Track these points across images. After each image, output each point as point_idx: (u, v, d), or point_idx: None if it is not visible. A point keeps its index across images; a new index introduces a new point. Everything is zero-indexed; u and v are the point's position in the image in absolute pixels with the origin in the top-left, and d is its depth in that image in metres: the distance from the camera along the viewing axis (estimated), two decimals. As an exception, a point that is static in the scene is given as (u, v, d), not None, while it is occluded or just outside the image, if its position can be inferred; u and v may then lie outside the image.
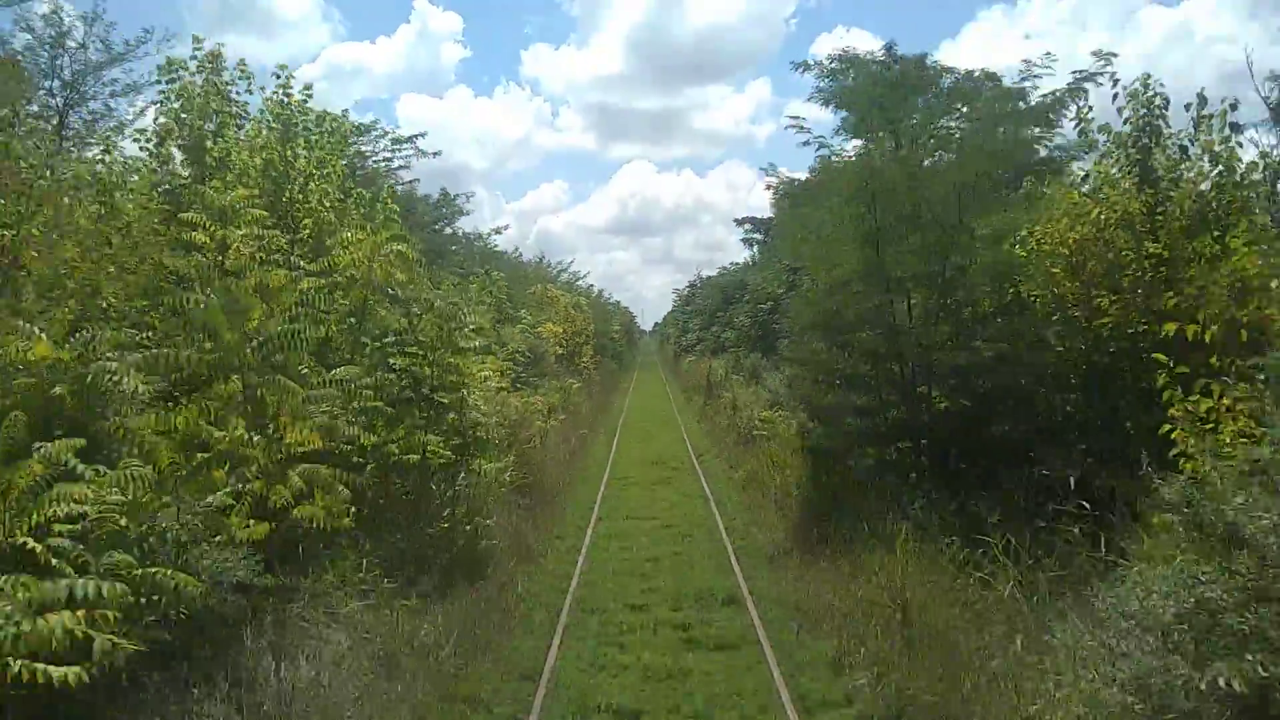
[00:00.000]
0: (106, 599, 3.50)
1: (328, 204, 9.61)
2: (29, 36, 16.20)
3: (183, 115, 9.94)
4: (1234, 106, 8.33)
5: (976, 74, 27.59)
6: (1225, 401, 5.15)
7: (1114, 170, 9.21)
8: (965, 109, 31.79)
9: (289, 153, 9.77)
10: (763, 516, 11.21)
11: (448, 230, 28.50)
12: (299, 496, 5.46)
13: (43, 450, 4.28)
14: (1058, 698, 4.57)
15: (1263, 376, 5.15)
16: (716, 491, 13.36)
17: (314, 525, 5.66)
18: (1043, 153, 11.90)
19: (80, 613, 3.38)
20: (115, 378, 4.97)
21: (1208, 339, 5.71)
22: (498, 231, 39.45)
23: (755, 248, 46.03)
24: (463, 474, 8.95)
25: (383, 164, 20.70)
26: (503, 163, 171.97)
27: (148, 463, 4.71)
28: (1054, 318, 9.27)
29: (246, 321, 5.56)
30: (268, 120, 10.27)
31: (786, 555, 9.33)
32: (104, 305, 6.57)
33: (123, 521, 4.43)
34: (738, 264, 48.68)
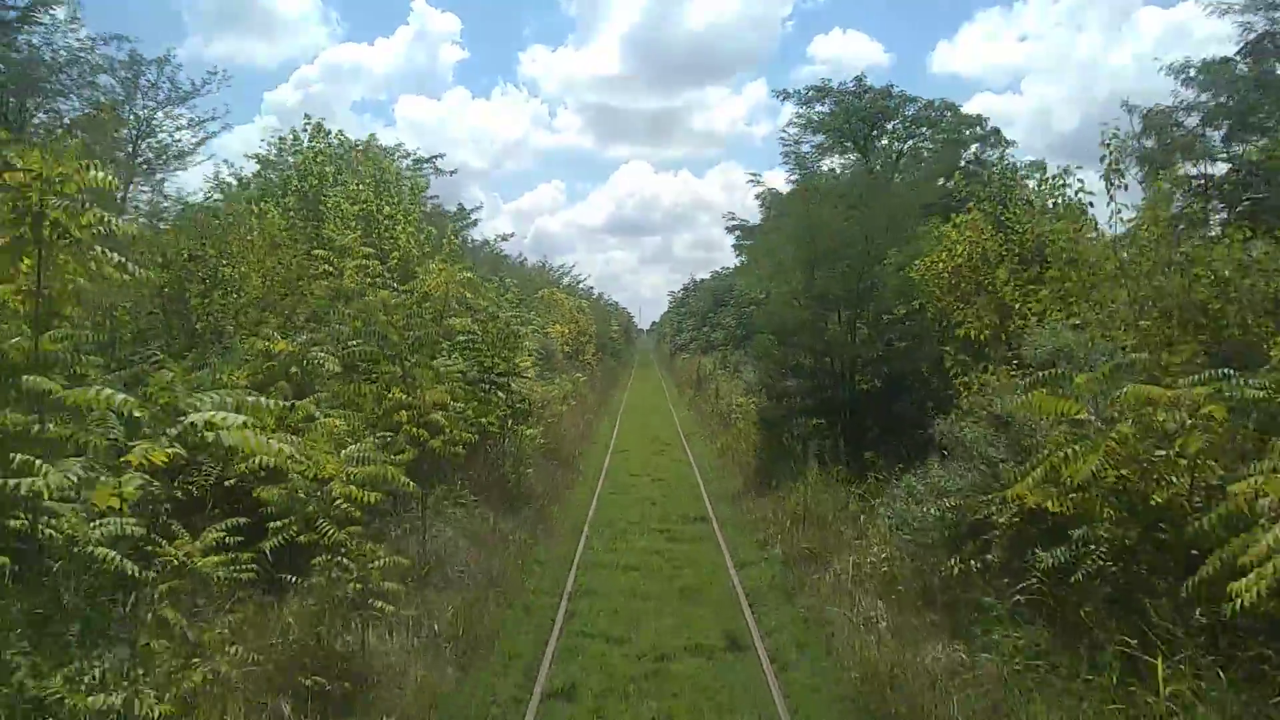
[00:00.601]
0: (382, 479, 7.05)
1: (411, 242, 13.20)
2: (110, 78, 19.59)
3: (298, 174, 13.54)
4: (1067, 170, 11.96)
5: (937, 103, 32.02)
6: (983, 378, 8.75)
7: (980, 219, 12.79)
8: (928, 131, 36.36)
9: (380, 204, 13.36)
10: (730, 473, 14.86)
11: (461, 239, 32.18)
12: (432, 434, 9.01)
13: (295, 406, 7.80)
14: (872, 540, 8.19)
15: (1015, 363, 8.78)
16: (698, 459, 16.99)
17: (438, 454, 9.21)
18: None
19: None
20: (322, 362, 8.54)
21: (983, 339, 9.33)
22: (504, 239, 43.08)
23: (742, 253, 49.73)
24: (509, 438, 12.55)
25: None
26: (500, 163, 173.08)
27: (359, 411, 8.28)
28: (939, 323, 12.84)
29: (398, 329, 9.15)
30: (361, 177, 13.85)
31: (743, 496, 12.97)
32: (298, 316, 10.16)
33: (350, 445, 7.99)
34: (729, 268, 52.24)
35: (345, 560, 6.13)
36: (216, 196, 16.85)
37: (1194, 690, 4.62)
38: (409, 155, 24.66)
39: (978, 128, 33.52)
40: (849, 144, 34.27)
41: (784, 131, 33.64)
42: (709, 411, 23.39)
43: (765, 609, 7.85)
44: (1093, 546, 5.62)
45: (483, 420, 11.27)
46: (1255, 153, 13.29)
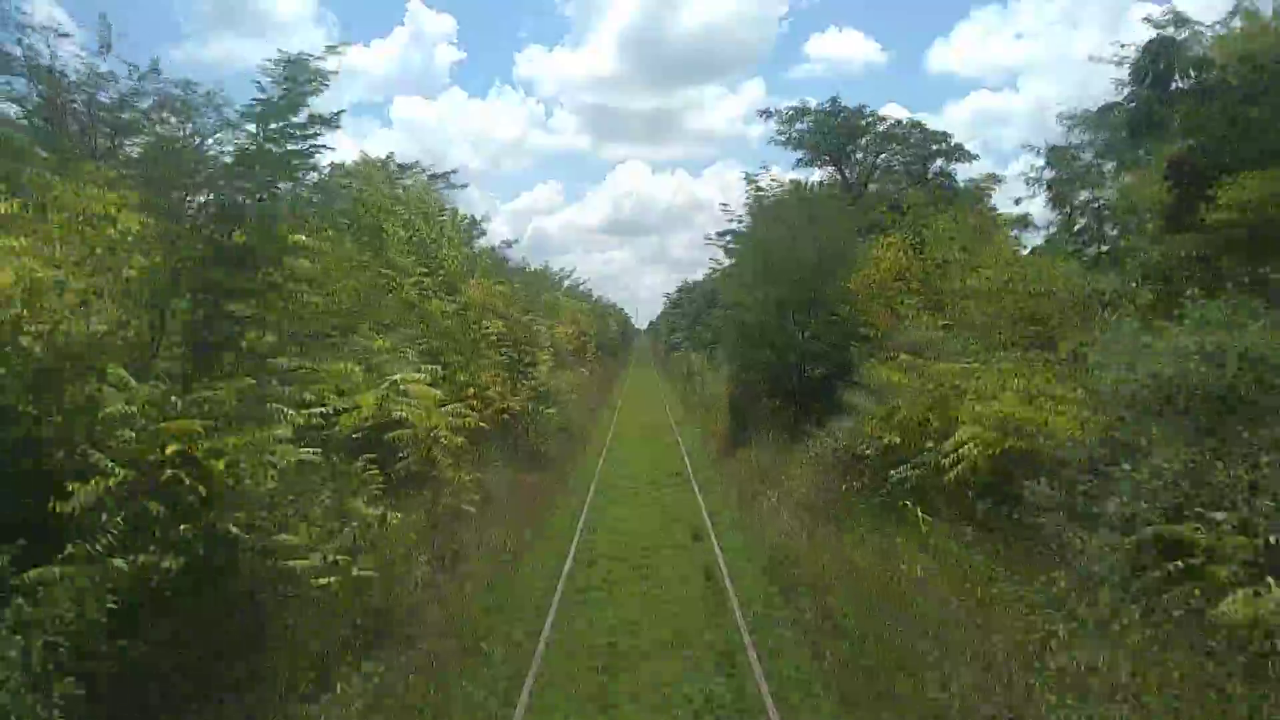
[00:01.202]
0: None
1: (455, 261, 16.74)
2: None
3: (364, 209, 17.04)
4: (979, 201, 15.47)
5: (905, 121, 36.30)
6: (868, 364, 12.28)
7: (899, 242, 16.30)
8: (898, 146, 40.57)
9: (429, 231, 16.88)
10: (707, 445, 18.45)
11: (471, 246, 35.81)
12: (485, 405, 12.53)
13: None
14: (796, 472, 11.75)
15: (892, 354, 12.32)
16: (684, 437, 20.56)
17: (491, 420, 12.74)
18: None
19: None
20: (405, 353, 12.07)
21: (878, 335, 12.90)
22: (509, 244, 46.70)
23: (732, 257, 53.38)
24: (534, 416, 16.09)
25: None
26: (497, 164, 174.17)
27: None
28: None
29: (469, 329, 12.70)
30: (415, 208, 17.38)
31: (716, 460, 16.55)
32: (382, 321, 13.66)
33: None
34: (720, 269, 55.72)
35: (446, 479, 9.67)
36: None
37: (949, 532, 8.14)
38: (425, 170, 28.23)
39: (943, 144, 37.35)
40: (826, 158, 38.10)
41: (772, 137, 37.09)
42: (695, 402, 26.99)
43: (720, 522, 11.42)
44: (914, 466, 9.14)
45: (514, 400, 14.81)
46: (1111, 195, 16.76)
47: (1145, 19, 14.94)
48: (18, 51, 16.44)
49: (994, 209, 35.96)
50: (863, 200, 37.60)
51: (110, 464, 4.86)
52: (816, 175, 38.79)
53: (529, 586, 8.79)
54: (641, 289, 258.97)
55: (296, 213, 7.54)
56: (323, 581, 5.91)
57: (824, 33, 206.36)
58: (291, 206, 7.51)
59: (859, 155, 38.45)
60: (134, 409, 5.30)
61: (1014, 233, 26.32)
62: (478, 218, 36.55)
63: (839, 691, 5.98)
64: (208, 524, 5.26)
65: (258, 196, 7.17)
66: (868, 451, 10.23)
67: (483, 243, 39.05)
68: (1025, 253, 20.29)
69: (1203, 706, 4.43)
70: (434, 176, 28.61)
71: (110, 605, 4.46)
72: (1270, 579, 4.68)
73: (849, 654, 6.42)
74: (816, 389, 16.71)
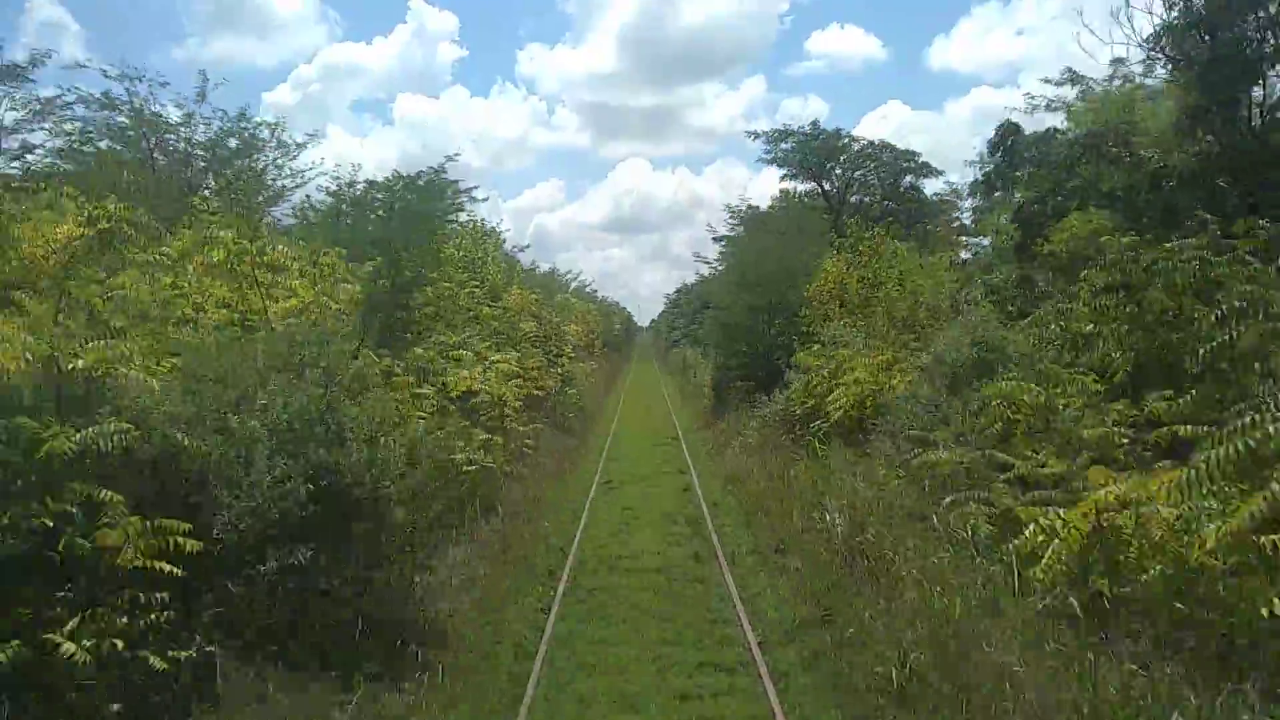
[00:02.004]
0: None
1: (497, 275, 21.60)
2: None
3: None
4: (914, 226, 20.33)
5: (876, 143, 42.40)
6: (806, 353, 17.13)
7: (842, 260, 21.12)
8: (872, 164, 46.69)
9: (477, 251, 21.74)
10: (695, 420, 23.36)
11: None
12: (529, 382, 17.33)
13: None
14: (752, 428, 16.62)
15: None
16: (678, 417, 25.46)
17: (535, 394, 17.54)
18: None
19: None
20: (474, 345, 16.92)
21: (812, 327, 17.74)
22: (521, 250, 51.69)
23: (723, 261, 58.30)
24: (561, 396, 20.95)
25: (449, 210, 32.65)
26: (499, 161, 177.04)
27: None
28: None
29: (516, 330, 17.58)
30: (469, 235, 22.24)
31: (700, 429, 21.47)
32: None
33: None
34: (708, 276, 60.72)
35: (510, 431, 14.50)
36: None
37: (828, 453, 12.90)
38: (448, 187, 33.07)
39: (911, 161, 42.40)
40: (808, 173, 43.30)
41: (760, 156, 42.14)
42: (689, 390, 31.90)
43: (697, 463, 16.29)
44: (823, 419, 13.93)
45: (547, 381, 19.66)
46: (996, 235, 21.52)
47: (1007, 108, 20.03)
48: (124, 95, 21.59)
49: (957, 218, 41.13)
50: (843, 210, 42.83)
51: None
52: (802, 187, 44.04)
53: (571, 491, 13.70)
54: (642, 286, 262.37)
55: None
56: (470, 469, 10.72)
57: (825, 29, 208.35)
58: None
59: (838, 171, 43.50)
60: (376, 371, 10.13)
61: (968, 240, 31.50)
62: (498, 230, 41.55)
63: (744, 519, 10.88)
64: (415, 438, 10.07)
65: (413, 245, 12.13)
66: (797, 411, 15.06)
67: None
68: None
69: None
70: (457, 192, 33.51)
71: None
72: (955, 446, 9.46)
73: (754, 506, 11.33)
74: (778, 373, 21.61)
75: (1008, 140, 18.58)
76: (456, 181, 20.02)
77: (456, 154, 57.54)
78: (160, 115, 24.27)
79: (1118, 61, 17.53)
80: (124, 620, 4.79)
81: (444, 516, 8.88)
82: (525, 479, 13.31)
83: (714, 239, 49.80)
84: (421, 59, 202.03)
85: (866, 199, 44.38)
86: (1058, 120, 22.90)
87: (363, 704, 5.42)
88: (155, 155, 24.80)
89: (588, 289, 61.37)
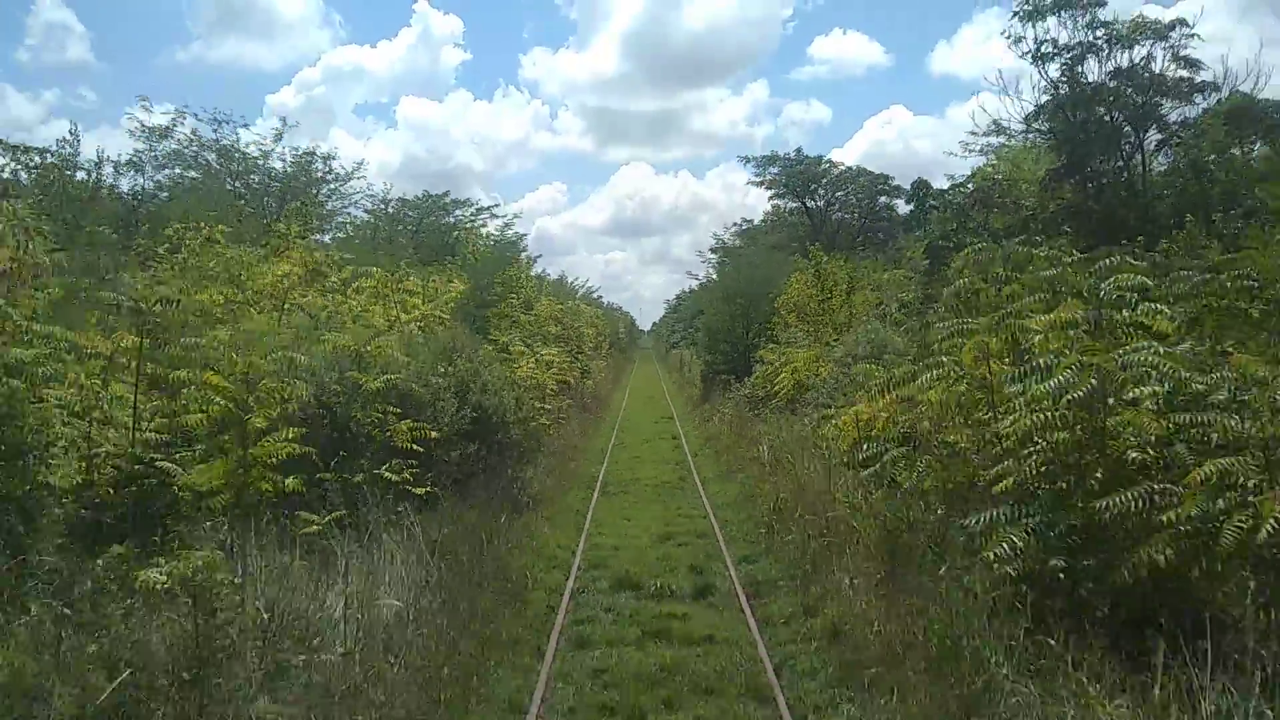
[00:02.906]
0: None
1: (530, 288, 27.13)
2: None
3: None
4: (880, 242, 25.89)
5: (854, 168, 49.60)
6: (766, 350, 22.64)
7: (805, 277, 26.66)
8: (851, 186, 53.93)
9: (514, 270, 27.27)
10: (686, 404, 28.94)
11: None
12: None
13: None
14: (727, 406, 22.16)
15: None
16: (674, 402, 31.01)
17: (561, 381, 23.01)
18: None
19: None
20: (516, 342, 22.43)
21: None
22: (533, 259, 57.28)
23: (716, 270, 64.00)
24: (581, 385, 26.46)
25: (471, 226, 38.12)
26: (501, 164, 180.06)
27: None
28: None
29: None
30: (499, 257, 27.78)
31: (690, 412, 27.01)
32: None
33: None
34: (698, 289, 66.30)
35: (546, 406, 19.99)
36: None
37: (775, 418, 18.40)
38: (472, 205, 38.62)
39: (884, 184, 48.09)
40: (793, 195, 49.07)
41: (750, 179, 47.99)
42: (683, 382, 37.44)
43: (686, 431, 21.80)
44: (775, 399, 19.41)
45: (571, 372, 25.13)
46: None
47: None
48: (211, 135, 27.30)
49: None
50: (825, 225, 48.61)
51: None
52: (790, 204, 49.85)
53: (594, 446, 19.23)
54: (644, 289, 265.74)
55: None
56: (544, 421, 16.16)
57: (828, 35, 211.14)
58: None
59: (820, 192, 49.20)
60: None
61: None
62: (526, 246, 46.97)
63: (714, 460, 16.39)
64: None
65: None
66: (759, 393, 20.53)
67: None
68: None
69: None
70: (481, 210, 39.09)
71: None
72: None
73: (721, 453, 16.86)
74: (750, 367, 27.17)
75: (919, 192, 24.22)
76: (475, 201, 25.60)
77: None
78: (245, 153, 29.93)
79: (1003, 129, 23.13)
80: (401, 471, 10.22)
81: (526, 445, 14.36)
82: (563, 438, 18.82)
83: (711, 249, 55.56)
84: (425, 62, 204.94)
85: (846, 216, 50.17)
86: (984, 159, 28.56)
87: (510, 519, 10.86)
88: (237, 186, 30.38)
89: (594, 295, 67.09)
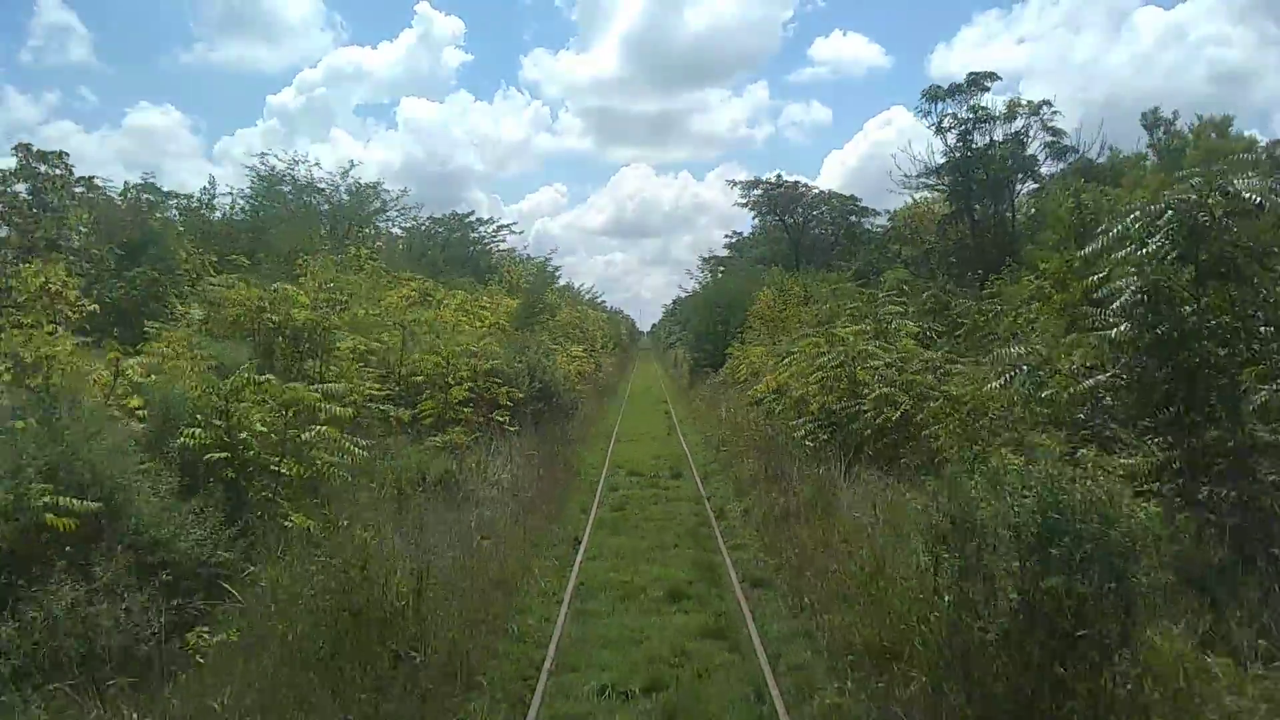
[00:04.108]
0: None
1: (555, 297, 34.43)
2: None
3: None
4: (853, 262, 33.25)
5: (826, 191, 58.63)
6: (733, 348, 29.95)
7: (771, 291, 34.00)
8: (825, 207, 62.91)
9: (541, 282, 34.55)
10: (677, 391, 36.35)
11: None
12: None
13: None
14: (705, 390, 29.50)
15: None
16: (667, 389, 38.36)
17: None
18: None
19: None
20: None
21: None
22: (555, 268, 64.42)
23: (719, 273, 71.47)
24: (596, 373, 33.75)
25: (491, 242, 45.38)
26: (502, 165, 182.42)
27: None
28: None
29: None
30: (530, 274, 35.09)
31: (680, 395, 34.39)
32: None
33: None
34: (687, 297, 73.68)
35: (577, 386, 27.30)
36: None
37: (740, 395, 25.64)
38: (492, 222, 45.89)
39: (853, 205, 55.44)
40: (775, 215, 56.43)
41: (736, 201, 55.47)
42: (675, 375, 44.86)
43: (675, 408, 29.11)
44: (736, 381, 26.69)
45: (588, 365, 32.42)
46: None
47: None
48: (287, 170, 34.48)
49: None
50: (804, 240, 55.95)
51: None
52: (773, 221, 57.18)
53: (609, 417, 26.55)
54: (645, 290, 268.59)
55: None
56: (579, 392, 23.42)
57: (828, 36, 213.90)
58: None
59: (799, 211, 56.57)
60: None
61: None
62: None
63: (694, 425, 23.73)
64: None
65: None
66: (729, 380, 27.76)
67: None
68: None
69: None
70: (501, 227, 46.46)
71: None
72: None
73: (699, 420, 24.21)
74: (723, 361, 34.53)
75: (852, 230, 31.58)
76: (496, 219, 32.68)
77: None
78: (319, 187, 37.17)
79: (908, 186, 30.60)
80: (503, 418, 17.44)
81: (569, 408, 21.62)
82: (586, 411, 26.14)
83: (703, 258, 63.06)
84: (426, 63, 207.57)
85: (821, 232, 57.58)
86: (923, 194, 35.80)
87: (560, 447, 18.05)
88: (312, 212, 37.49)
89: (599, 300, 74.44)
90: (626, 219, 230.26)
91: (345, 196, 38.04)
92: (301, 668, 5.27)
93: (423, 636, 5.81)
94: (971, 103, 27.85)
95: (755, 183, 55.83)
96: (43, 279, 9.64)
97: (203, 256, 21.11)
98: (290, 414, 7.95)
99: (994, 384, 9.02)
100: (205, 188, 30.79)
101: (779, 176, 55.62)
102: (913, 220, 28.43)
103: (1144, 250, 7.31)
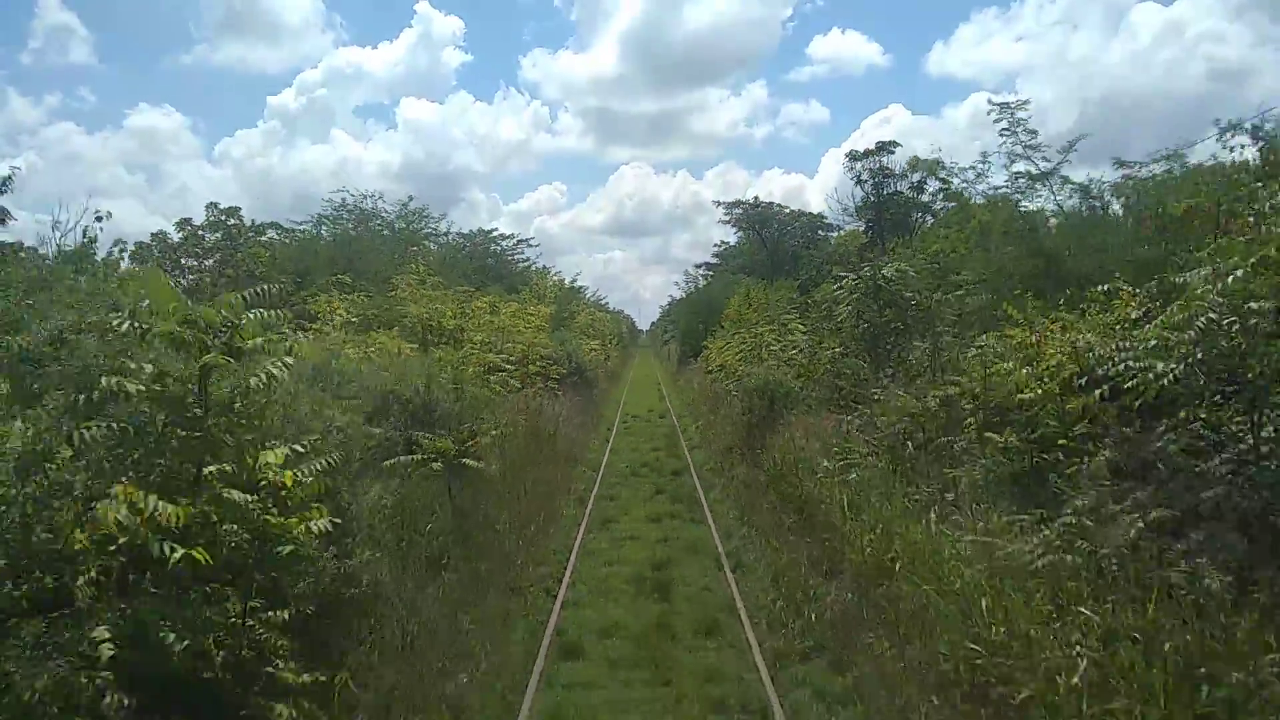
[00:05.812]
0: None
1: (576, 304, 44.31)
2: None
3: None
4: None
5: (795, 210, 70.35)
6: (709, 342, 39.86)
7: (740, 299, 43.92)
8: (795, 225, 76.00)
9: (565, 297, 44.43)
10: (668, 377, 46.31)
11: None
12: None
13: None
14: (693, 376, 39.48)
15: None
16: (661, 375, 48.29)
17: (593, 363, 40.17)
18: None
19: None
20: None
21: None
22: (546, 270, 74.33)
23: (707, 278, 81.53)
24: (605, 363, 43.68)
25: (511, 254, 55.19)
26: (501, 165, 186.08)
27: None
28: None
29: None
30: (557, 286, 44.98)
31: (670, 380, 44.35)
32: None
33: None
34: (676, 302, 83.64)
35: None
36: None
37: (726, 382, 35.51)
38: (512, 237, 55.70)
39: (819, 220, 65.30)
40: (753, 231, 66.49)
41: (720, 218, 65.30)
42: (668, 365, 54.87)
43: (669, 392, 39.00)
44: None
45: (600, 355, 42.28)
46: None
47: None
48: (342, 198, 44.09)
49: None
50: (779, 253, 65.86)
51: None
52: (753, 236, 67.06)
53: (614, 398, 36.47)
54: (644, 289, 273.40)
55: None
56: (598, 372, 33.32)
57: (826, 35, 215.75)
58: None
59: (775, 226, 66.52)
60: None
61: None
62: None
63: (680, 401, 33.67)
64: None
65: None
66: (708, 366, 37.58)
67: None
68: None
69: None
70: (520, 241, 56.33)
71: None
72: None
73: (686, 397, 34.18)
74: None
75: (817, 241, 41.56)
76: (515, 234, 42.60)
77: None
78: (383, 216, 46.84)
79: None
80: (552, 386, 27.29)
81: (593, 382, 31.51)
82: (600, 389, 36.05)
83: (694, 265, 73.40)
84: (426, 64, 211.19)
85: (793, 245, 67.48)
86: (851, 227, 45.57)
87: (589, 404, 27.91)
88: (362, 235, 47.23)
89: (602, 301, 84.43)
90: (625, 218, 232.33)
91: (401, 224, 47.72)
92: (515, 461, 15.22)
93: (559, 444, 15.87)
94: (882, 162, 37.77)
95: (737, 203, 65.92)
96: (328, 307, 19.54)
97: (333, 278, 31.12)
98: (483, 370, 17.86)
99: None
100: (308, 221, 40.76)
101: (756, 199, 65.63)
102: (844, 245, 38.18)
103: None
